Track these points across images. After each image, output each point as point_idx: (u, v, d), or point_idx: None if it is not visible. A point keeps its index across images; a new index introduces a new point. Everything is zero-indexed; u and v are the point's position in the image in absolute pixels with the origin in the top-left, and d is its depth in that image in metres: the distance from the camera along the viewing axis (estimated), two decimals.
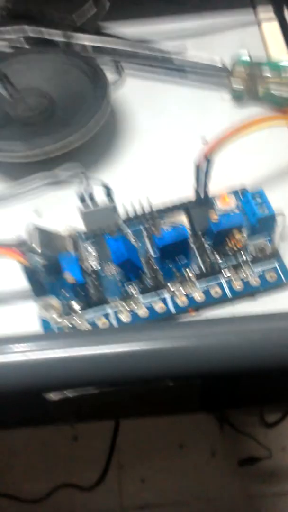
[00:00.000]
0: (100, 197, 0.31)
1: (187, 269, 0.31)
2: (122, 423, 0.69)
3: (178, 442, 0.81)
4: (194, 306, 0.30)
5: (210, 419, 0.80)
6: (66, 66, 0.40)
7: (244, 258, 0.31)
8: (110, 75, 0.41)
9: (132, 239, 0.33)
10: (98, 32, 0.43)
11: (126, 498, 0.78)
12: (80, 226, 0.33)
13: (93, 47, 0.42)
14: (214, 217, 0.31)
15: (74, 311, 0.30)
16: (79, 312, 0.30)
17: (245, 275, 0.31)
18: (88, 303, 0.30)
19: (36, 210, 0.36)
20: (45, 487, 0.74)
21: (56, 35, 0.42)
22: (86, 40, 0.42)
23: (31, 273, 0.30)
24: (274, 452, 0.77)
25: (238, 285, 0.31)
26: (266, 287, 0.31)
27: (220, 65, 0.40)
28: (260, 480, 0.79)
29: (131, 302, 0.30)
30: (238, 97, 0.40)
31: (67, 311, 0.30)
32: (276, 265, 0.31)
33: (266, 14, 0.44)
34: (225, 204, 0.34)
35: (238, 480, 0.79)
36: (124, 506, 0.78)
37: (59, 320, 0.30)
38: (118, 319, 0.30)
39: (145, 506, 0.77)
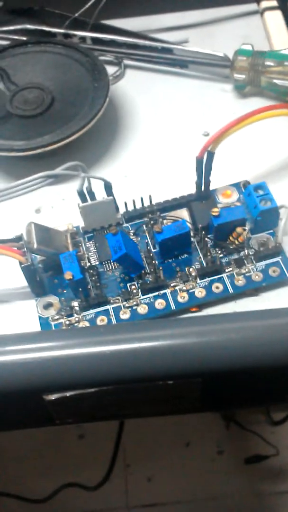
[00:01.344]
0: (100, 193, 0.31)
1: (187, 265, 0.31)
2: (127, 422, 0.69)
3: (184, 441, 0.81)
4: (195, 302, 0.30)
5: (216, 417, 0.80)
6: (65, 58, 0.39)
7: (246, 252, 0.30)
8: (109, 67, 0.41)
9: (131, 234, 0.32)
10: (97, 24, 0.42)
11: (132, 497, 0.78)
12: (80, 223, 0.32)
13: (92, 39, 0.41)
14: (216, 211, 0.30)
15: (74, 309, 0.30)
16: (78, 310, 0.30)
17: (247, 270, 0.30)
18: (87, 300, 0.30)
19: (38, 209, 0.35)
20: (50, 486, 0.73)
21: (54, 27, 0.41)
22: (85, 32, 0.42)
23: (29, 272, 0.29)
24: (281, 449, 0.77)
25: (240, 281, 0.30)
26: (269, 282, 0.30)
27: (221, 55, 0.39)
28: (267, 478, 0.79)
29: (130, 298, 0.30)
30: (240, 88, 0.39)
31: (66, 309, 0.30)
32: (279, 259, 0.30)
33: (269, 2, 0.43)
34: (227, 197, 0.33)
35: (244, 478, 0.78)
36: (130, 505, 0.77)
37: (58, 318, 0.30)
38: (117, 316, 0.29)
39: (151, 505, 0.77)
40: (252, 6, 0.44)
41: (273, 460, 0.76)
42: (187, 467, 0.79)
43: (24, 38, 0.42)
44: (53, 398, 0.27)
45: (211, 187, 0.33)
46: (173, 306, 0.30)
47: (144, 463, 0.79)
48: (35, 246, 0.29)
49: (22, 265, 0.29)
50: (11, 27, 0.42)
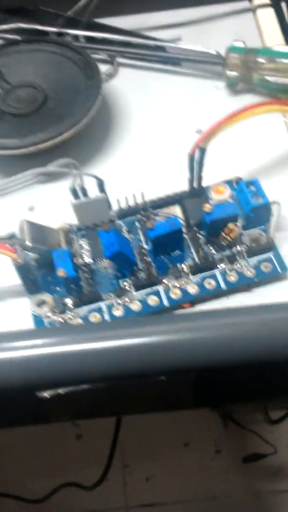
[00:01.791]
0: (93, 190, 0.31)
1: (180, 261, 0.31)
2: (125, 422, 0.69)
3: (182, 440, 0.81)
4: (188, 299, 0.30)
5: (215, 416, 0.80)
6: (58, 57, 0.39)
7: (239, 249, 0.31)
8: (102, 66, 0.41)
9: (124, 231, 0.32)
10: (90, 23, 0.42)
11: (130, 497, 0.78)
12: (73, 220, 0.32)
13: (85, 37, 0.41)
14: (208, 207, 0.30)
15: (67, 306, 0.30)
16: (72, 307, 0.30)
17: (239, 266, 0.30)
18: (80, 298, 0.30)
19: (31, 206, 0.35)
20: (48, 486, 0.73)
21: (48, 26, 0.41)
22: (78, 30, 0.42)
23: (23, 269, 0.29)
24: (279, 448, 0.76)
25: (232, 277, 0.30)
26: (262, 278, 0.30)
27: (214, 53, 0.39)
28: (265, 477, 0.79)
29: (124, 296, 0.30)
30: (233, 85, 0.39)
31: (60, 306, 0.30)
32: (271, 255, 0.30)
33: (261, 0, 0.43)
34: (219, 194, 0.33)
35: (243, 477, 0.78)
36: (128, 505, 0.77)
37: (51, 316, 0.30)
38: (111, 314, 0.29)
39: (150, 505, 0.77)
40: (245, 4, 0.44)
41: (271, 459, 0.76)
42: (186, 467, 0.79)
43: (18, 37, 0.42)
44: (47, 395, 0.27)
45: (204, 184, 0.33)
46: (166, 303, 0.30)
47: (142, 463, 0.79)
48: (29, 244, 0.29)
49: (15, 263, 0.29)
50: (4, 26, 0.42)
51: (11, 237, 0.31)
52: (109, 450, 0.68)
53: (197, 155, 0.31)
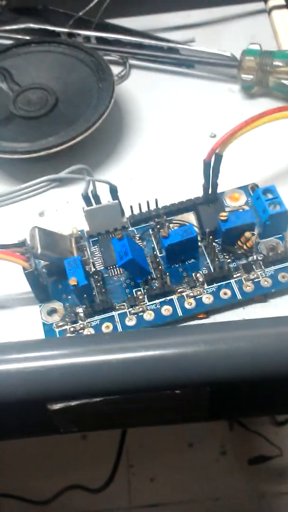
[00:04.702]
0: (105, 196, 0.30)
1: (194, 270, 0.30)
2: None
3: (187, 441, 0.81)
4: (203, 309, 0.29)
5: None
6: (69, 58, 0.38)
7: (255, 257, 0.30)
8: (114, 67, 0.40)
9: (137, 238, 0.32)
10: (102, 23, 0.41)
11: (135, 497, 0.77)
12: (84, 226, 0.31)
13: (97, 39, 0.41)
14: (224, 215, 0.29)
15: (78, 315, 0.29)
16: (83, 316, 0.29)
17: (256, 276, 0.29)
18: (92, 307, 0.29)
19: (41, 212, 0.34)
20: (54, 488, 0.73)
21: (58, 27, 0.41)
22: (89, 31, 0.41)
23: (33, 277, 0.29)
24: (285, 450, 0.76)
25: (248, 287, 0.29)
26: (278, 288, 0.29)
27: (228, 55, 0.38)
28: (270, 479, 0.79)
29: (137, 305, 0.29)
30: (247, 88, 0.38)
31: (71, 315, 0.29)
32: None
33: (276, 0, 0.42)
34: (235, 200, 0.32)
35: (248, 478, 0.78)
36: (133, 505, 0.77)
37: (62, 324, 0.29)
38: (124, 323, 0.29)
39: (154, 505, 0.77)
40: (259, 5, 0.43)
41: (276, 461, 0.76)
42: (190, 468, 0.79)
43: (28, 38, 0.41)
44: (58, 408, 0.26)
45: (218, 190, 0.32)
46: (180, 313, 0.29)
47: (147, 464, 0.79)
48: (39, 251, 0.29)
49: (26, 271, 0.28)
50: (14, 26, 0.41)
51: (22, 244, 0.30)
52: (116, 451, 0.67)
53: (212, 161, 0.30)
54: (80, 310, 0.29)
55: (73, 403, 0.26)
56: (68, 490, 0.73)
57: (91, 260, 0.31)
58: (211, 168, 0.30)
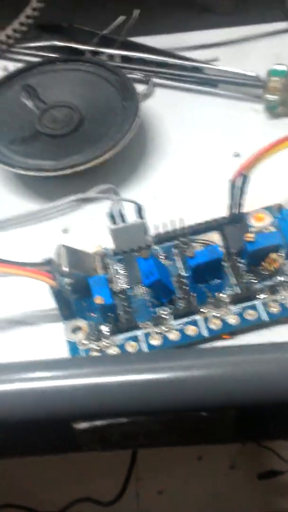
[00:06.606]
0: (131, 215, 0.30)
1: (219, 290, 0.30)
2: None
3: (196, 454, 0.80)
4: (228, 330, 0.29)
5: None
6: (94, 76, 0.39)
7: (281, 279, 0.30)
8: (138, 86, 0.40)
9: (161, 257, 0.32)
10: (126, 41, 0.42)
11: (143, 510, 0.77)
12: (109, 244, 0.32)
13: (122, 57, 0.41)
14: (250, 236, 0.29)
15: (103, 334, 0.29)
16: (108, 334, 0.29)
17: (282, 297, 0.29)
18: (117, 325, 0.29)
19: (65, 229, 0.35)
20: (64, 500, 0.73)
21: (83, 45, 0.41)
22: (113, 49, 0.41)
23: (59, 295, 0.29)
24: None
25: (274, 308, 0.29)
26: None
27: (253, 75, 0.38)
28: (280, 495, 0.78)
29: (161, 324, 0.29)
30: (272, 108, 0.38)
31: (96, 334, 0.29)
32: None
33: None
34: (260, 221, 0.32)
35: (257, 494, 0.77)
36: None
37: (86, 343, 0.29)
38: (148, 343, 0.29)
39: None
40: (284, 25, 0.43)
41: (287, 476, 0.75)
42: (199, 481, 0.78)
43: (52, 55, 0.41)
44: (83, 427, 0.26)
45: (242, 210, 0.32)
46: (205, 333, 0.29)
47: (155, 476, 0.79)
48: (67, 269, 0.29)
49: (53, 289, 0.28)
50: (39, 44, 0.41)
51: (48, 262, 0.30)
52: (128, 464, 0.67)
53: (238, 181, 0.30)
54: (104, 328, 0.29)
55: (99, 423, 0.26)
56: (78, 502, 0.72)
57: (116, 279, 0.31)
58: (237, 190, 0.30)
